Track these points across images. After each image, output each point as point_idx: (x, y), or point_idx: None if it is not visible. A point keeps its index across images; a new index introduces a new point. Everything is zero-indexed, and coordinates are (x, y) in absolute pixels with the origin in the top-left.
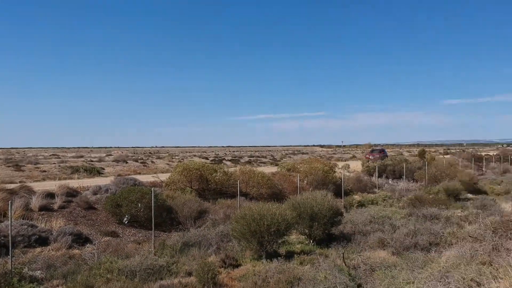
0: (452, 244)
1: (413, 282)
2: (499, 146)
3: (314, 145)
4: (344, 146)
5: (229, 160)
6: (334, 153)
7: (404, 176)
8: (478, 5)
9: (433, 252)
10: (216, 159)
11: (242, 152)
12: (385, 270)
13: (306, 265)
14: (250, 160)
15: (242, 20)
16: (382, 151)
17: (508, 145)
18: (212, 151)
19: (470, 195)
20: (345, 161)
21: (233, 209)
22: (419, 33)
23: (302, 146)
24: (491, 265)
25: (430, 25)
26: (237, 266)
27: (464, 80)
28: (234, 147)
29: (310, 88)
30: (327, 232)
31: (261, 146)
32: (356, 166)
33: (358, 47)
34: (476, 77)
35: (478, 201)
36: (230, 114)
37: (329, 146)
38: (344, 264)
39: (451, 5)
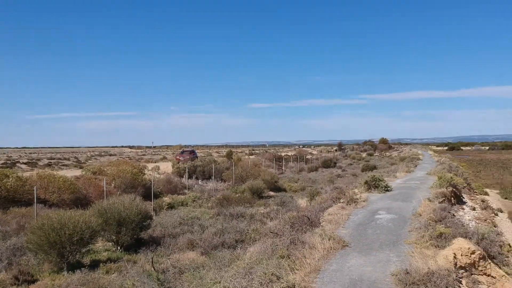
0: (256, 241)
1: (219, 282)
2: (296, 147)
3: (123, 146)
4: (154, 147)
5: (25, 163)
6: (144, 154)
7: (213, 177)
8: (285, 18)
9: (239, 249)
10: (8, 162)
11: (40, 154)
12: (193, 271)
13: (113, 273)
14: (50, 163)
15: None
16: (192, 152)
17: (304, 146)
18: (4, 153)
19: (272, 193)
20: (156, 162)
21: (29, 218)
22: (231, 41)
23: (110, 147)
24: (289, 258)
25: (236, 34)
26: (34, 281)
27: (267, 86)
28: (30, 148)
29: (119, 87)
30: (136, 237)
31: (63, 147)
32: (167, 167)
33: (168, 52)
34: (278, 84)
35: (278, 198)
36: (26, 112)
37: (139, 147)
38: (153, 269)
39: (252, 17)
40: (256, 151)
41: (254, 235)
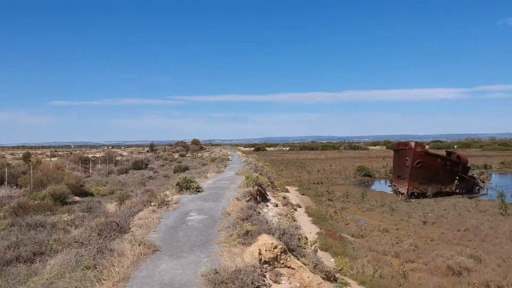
0: (58, 252)
1: None
2: (105, 148)
3: None
4: None
5: None
6: None
7: (6, 182)
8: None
9: (38, 263)
10: None
11: None
12: None
13: None
14: None
15: None
16: None
17: (113, 147)
18: None
19: (77, 198)
20: None
21: None
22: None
23: None
24: (96, 268)
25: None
26: None
27: (74, 83)
28: None
29: None
30: None
31: None
32: None
33: None
34: (85, 81)
35: (85, 203)
36: None
37: None
38: None
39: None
40: (60, 153)
41: (56, 245)
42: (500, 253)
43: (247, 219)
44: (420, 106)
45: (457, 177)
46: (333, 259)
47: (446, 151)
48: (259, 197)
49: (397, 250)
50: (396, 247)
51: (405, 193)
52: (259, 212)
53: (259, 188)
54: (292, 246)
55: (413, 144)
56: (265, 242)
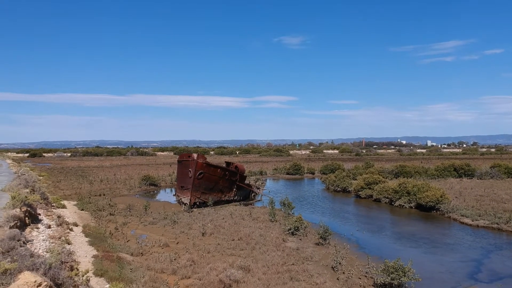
0: None
1: None
2: None
3: None
4: None
5: None
6: None
7: None
8: None
9: None
10: None
11: None
12: None
13: None
14: None
15: None
16: None
17: None
18: None
19: None
20: None
21: None
22: None
23: None
24: None
25: None
26: None
27: None
28: None
29: None
30: None
31: None
32: None
33: None
34: None
35: None
36: None
37: None
38: None
39: None
40: None
41: None
42: (266, 260)
43: (8, 252)
44: (206, 113)
45: (235, 186)
46: (108, 285)
47: (225, 162)
48: (28, 219)
49: (175, 266)
50: (174, 263)
51: (188, 203)
52: (25, 241)
53: (28, 209)
54: (60, 279)
55: (195, 156)
56: (27, 281)
